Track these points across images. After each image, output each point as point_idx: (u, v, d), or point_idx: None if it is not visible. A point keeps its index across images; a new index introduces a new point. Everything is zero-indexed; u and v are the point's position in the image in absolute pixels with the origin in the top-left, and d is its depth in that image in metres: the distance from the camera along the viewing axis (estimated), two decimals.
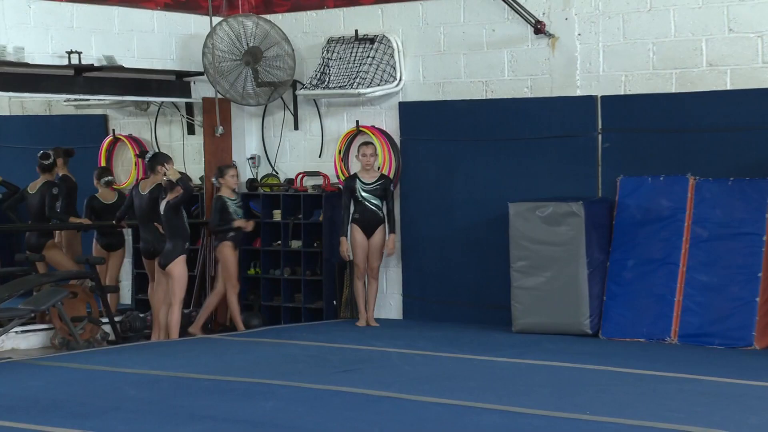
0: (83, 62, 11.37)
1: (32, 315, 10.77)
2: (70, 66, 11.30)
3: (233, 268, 11.56)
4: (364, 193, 11.24)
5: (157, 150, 12.35)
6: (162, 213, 10.91)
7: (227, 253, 11.52)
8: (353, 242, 11.35)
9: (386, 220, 11.32)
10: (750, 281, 9.96)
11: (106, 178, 12.53)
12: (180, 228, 10.86)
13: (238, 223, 11.52)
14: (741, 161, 10.21)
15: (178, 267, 10.84)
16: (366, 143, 11.46)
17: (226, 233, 11.48)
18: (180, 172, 11.10)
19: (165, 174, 10.78)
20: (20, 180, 12.48)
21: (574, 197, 10.63)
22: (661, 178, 10.52)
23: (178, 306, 10.94)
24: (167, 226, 10.89)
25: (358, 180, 11.31)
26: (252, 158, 12.80)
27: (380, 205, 11.29)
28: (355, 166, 11.83)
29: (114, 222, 11.76)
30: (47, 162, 12.02)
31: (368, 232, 11.31)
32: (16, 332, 11.03)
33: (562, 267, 10.48)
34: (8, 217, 12.63)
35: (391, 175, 11.80)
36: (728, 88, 10.29)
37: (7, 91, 11.39)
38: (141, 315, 11.85)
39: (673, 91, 10.53)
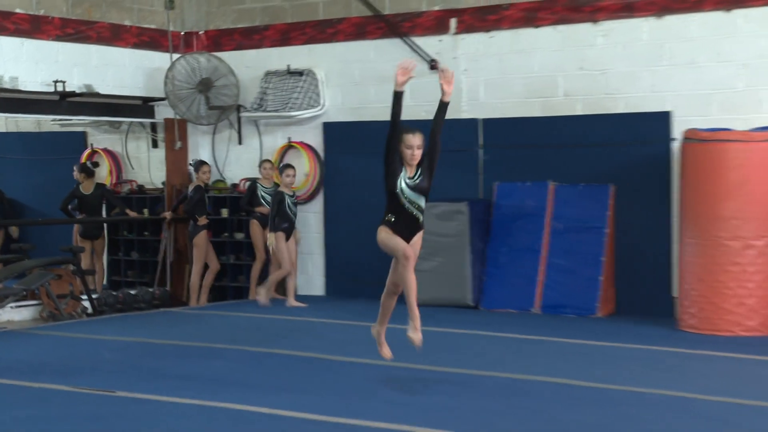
0: (67, 89, 11.30)
1: (25, 293, 10.66)
2: (56, 92, 11.21)
3: (283, 254, 11.04)
4: (407, 193, 6.75)
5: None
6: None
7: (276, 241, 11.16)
8: (388, 238, 6.88)
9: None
10: (595, 264, 10.14)
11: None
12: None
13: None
14: (589, 171, 10.37)
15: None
16: (411, 132, 6.99)
17: (280, 224, 10.93)
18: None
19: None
20: (13, 188, 12.30)
21: (461, 198, 10.72)
22: (528, 184, 10.65)
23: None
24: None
25: (403, 179, 6.79)
26: None
27: (423, 206, 6.83)
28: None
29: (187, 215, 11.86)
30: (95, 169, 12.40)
31: (406, 239, 6.90)
32: (11, 307, 10.90)
33: (451, 253, 10.55)
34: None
35: (316, 184, 11.72)
36: (579, 113, 10.46)
37: (4, 113, 11.26)
38: (114, 293, 11.77)
39: (537, 115, 10.67)
